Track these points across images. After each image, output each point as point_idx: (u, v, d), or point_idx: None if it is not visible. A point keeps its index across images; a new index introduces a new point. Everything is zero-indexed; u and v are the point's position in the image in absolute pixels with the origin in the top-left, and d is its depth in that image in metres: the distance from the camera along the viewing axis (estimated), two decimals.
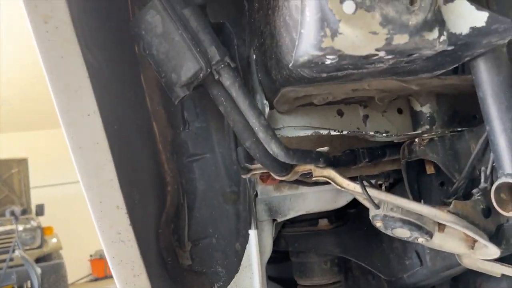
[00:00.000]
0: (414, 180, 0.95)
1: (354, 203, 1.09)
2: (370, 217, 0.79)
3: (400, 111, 0.96)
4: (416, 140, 0.90)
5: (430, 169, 0.91)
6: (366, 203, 0.80)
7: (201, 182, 1.00)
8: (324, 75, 0.69)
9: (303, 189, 1.05)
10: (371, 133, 0.89)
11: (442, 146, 0.87)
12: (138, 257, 0.70)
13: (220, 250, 1.01)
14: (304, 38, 0.58)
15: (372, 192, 0.78)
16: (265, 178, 0.93)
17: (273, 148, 0.72)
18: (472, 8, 0.58)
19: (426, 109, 0.92)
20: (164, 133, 1.01)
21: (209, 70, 0.70)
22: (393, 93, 0.88)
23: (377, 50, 0.59)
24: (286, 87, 0.77)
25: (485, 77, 0.71)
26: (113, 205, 0.67)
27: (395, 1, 0.55)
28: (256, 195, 1.03)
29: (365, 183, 0.79)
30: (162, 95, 0.98)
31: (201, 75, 0.70)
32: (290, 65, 0.63)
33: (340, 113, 0.92)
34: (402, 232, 0.77)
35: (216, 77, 0.72)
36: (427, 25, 0.57)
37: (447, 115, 0.93)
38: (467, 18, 0.59)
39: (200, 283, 1.00)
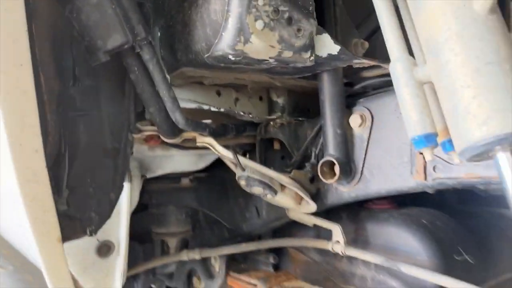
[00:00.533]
0: (263, 152, 1.24)
1: (210, 166, 1.33)
2: (236, 177, 1.04)
3: (261, 98, 1.23)
4: (271, 123, 1.18)
5: (277, 146, 1.22)
6: (233, 167, 1.05)
7: (84, 136, 1.08)
8: (222, 65, 0.90)
9: (173, 151, 1.24)
10: (241, 113, 1.14)
11: (288, 130, 1.18)
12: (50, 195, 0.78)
13: (96, 198, 1.11)
14: (224, 39, 0.77)
15: (240, 158, 1.03)
16: (149, 139, 1.09)
17: (177, 117, 0.89)
18: (331, 41, 0.87)
19: (280, 100, 1.21)
20: (51, 84, 1.05)
21: (133, 44, 0.82)
22: (261, 85, 1.14)
23: (270, 58, 0.82)
24: (187, 67, 0.94)
25: (327, 86, 1.02)
26: (33, 149, 0.73)
27: (289, 28, 0.80)
28: (132, 152, 1.17)
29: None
30: (53, 48, 1.02)
31: (126, 46, 0.82)
32: (205, 55, 0.81)
33: (218, 94, 1.13)
34: (258, 190, 1.04)
35: (137, 50, 0.84)
36: (305, 48, 0.83)
37: (293, 106, 1.24)
38: (328, 47, 0.87)
39: (73, 227, 1.09)
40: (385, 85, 1.03)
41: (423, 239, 1.14)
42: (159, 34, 0.98)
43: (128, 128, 1.06)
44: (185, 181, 1.30)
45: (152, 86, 0.89)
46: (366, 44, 1.02)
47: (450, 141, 0.70)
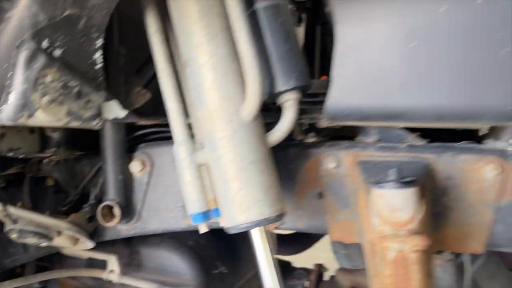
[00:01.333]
0: (33, 187, 1.17)
1: None
2: (5, 230, 0.96)
3: (32, 131, 1.13)
4: (45, 160, 1.12)
5: (50, 182, 1.16)
6: (5, 219, 0.96)
7: None
8: None
9: None
10: (6, 150, 1.03)
11: (65, 167, 1.14)
12: None
13: None
14: (4, 112, 0.71)
15: (11, 210, 0.96)
16: None
17: None
18: (118, 108, 0.90)
19: (55, 135, 1.15)
20: None
21: None
22: None
23: (56, 126, 0.80)
24: None
25: (109, 134, 1.04)
26: None
27: (78, 101, 0.79)
28: None
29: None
30: None
31: None
32: None
33: None
34: (32, 240, 0.99)
35: None
36: (93, 117, 0.84)
37: (69, 141, 1.20)
38: (115, 112, 0.90)
39: None
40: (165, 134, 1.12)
41: (188, 259, 1.32)
42: None
43: None
44: None
45: None
46: (148, 95, 1.09)
47: (217, 209, 0.87)
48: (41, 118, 0.74)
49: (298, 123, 0.96)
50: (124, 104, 0.92)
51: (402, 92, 0.79)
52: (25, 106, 0.72)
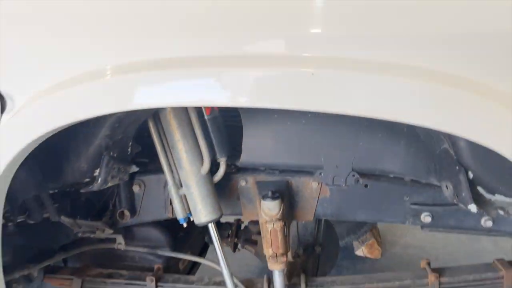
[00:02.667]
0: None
1: None
2: (74, 232, 1.79)
3: None
4: None
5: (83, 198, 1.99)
6: (74, 226, 1.80)
7: None
8: None
9: None
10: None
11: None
12: None
13: None
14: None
15: (77, 220, 1.79)
16: None
17: None
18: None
19: None
20: None
21: None
22: None
23: None
24: None
25: None
26: None
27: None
28: None
29: None
30: None
31: None
32: None
33: None
34: (86, 234, 1.84)
35: None
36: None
37: None
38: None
39: None
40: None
41: (161, 230, 2.23)
42: None
43: None
44: None
45: None
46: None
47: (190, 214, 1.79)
48: None
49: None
50: None
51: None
52: None
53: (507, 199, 1.28)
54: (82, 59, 1.16)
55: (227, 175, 1.84)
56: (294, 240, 2.49)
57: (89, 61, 1.14)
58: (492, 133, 1.03)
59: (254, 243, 2.41)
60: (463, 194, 1.36)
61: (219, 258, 1.84)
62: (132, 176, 1.93)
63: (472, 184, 1.34)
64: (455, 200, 1.44)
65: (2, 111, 1.19)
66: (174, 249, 2.19)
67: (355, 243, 3.93)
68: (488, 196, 1.38)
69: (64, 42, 1.16)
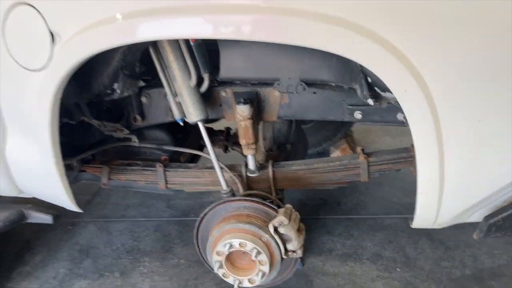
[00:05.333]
0: None
1: None
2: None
3: None
4: None
5: None
6: None
7: None
8: None
9: None
10: None
11: None
12: None
13: None
14: None
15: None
16: None
17: None
18: None
19: None
20: None
21: None
22: None
23: None
24: None
25: None
26: None
27: None
28: None
29: None
30: None
31: None
32: None
33: None
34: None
35: None
36: None
37: None
38: None
39: None
40: None
41: (166, 130, 2.93)
42: None
43: None
44: None
45: None
46: None
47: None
48: None
49: None
50: None
51: None
52: None
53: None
54: (101, 8, 1.75)
55: (211, 88, 2.43)
56: (270, 140, 3.18)
57: (107, 9, 1.73)
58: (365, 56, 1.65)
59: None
60: (365, 93, 2.00)
61: (208, 148, 2.53)
62: (140, 90, 2.58)
63: (370, 85, 1.98)
64: (363, 98, 2.08)
65: (53, 43, 1.80)
66: (176, 146, 2.90)
67: (331, 148, 4.66)
68: (382, 94, 2.03)
69: None
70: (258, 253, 2.19)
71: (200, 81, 2.36)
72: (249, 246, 2.19)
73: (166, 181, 2.75)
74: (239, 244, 2.20)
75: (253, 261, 2.21)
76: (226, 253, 2.22)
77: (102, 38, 1.75)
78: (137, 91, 2.42)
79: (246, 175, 2.61)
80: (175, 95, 2.38)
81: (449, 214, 1.96)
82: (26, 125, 2.05)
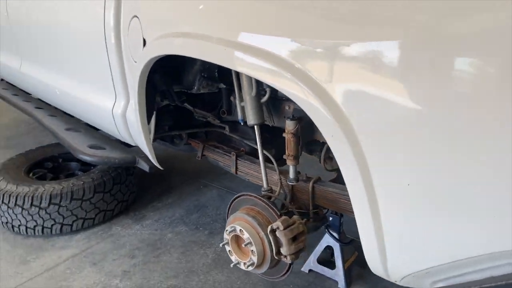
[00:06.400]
0: None
1: None
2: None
3: None
4: None
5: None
6: None
7: None
8: None
9: None
10: None
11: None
12: None
13: None
14: None
15: None
16: None
17: None
18: None
19: None
20: None
21: None
22: None
23: None
24: None
25: None
26: None
27: None
28: None
29: None
30: None
31: None
32: None
33: None
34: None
35: None
36: None
37: None
38: None
39: None
40: None
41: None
42: None
43: None
44: None
45: None
46: None
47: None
48: None
49: None
50: None
51: None
52: None
53: None
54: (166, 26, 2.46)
55: (281, 101, 2.68)
56: (335, 161, 3.32)
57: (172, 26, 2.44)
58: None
59: None
60: None
61: (259, 149, 2.95)
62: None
63: None
64: None
65: (144, 46, 2.64)
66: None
67: None
68: None
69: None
70: (251, 244, 2.57)
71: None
72: (246, 235, 2.59)
73: (236, 168, 3.33)
74: (240, 231, 2.63)
75: (249, 250, 2.61)
76: (231, 234, 2.69)
77: (163, 47, 2.47)
78: (216, 90, 3.06)
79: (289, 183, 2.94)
80: (241, 99, 2.92)
81: (398, 271, 1.90)
82: (133, 94, 3.00)
